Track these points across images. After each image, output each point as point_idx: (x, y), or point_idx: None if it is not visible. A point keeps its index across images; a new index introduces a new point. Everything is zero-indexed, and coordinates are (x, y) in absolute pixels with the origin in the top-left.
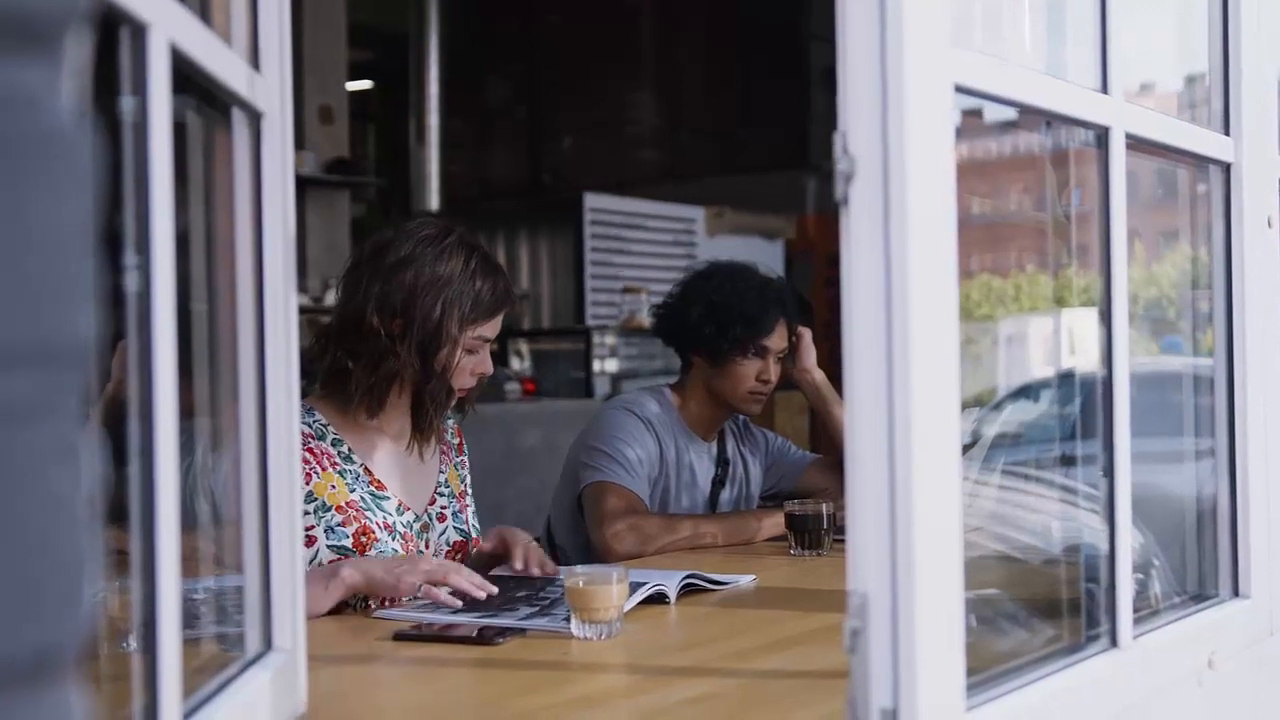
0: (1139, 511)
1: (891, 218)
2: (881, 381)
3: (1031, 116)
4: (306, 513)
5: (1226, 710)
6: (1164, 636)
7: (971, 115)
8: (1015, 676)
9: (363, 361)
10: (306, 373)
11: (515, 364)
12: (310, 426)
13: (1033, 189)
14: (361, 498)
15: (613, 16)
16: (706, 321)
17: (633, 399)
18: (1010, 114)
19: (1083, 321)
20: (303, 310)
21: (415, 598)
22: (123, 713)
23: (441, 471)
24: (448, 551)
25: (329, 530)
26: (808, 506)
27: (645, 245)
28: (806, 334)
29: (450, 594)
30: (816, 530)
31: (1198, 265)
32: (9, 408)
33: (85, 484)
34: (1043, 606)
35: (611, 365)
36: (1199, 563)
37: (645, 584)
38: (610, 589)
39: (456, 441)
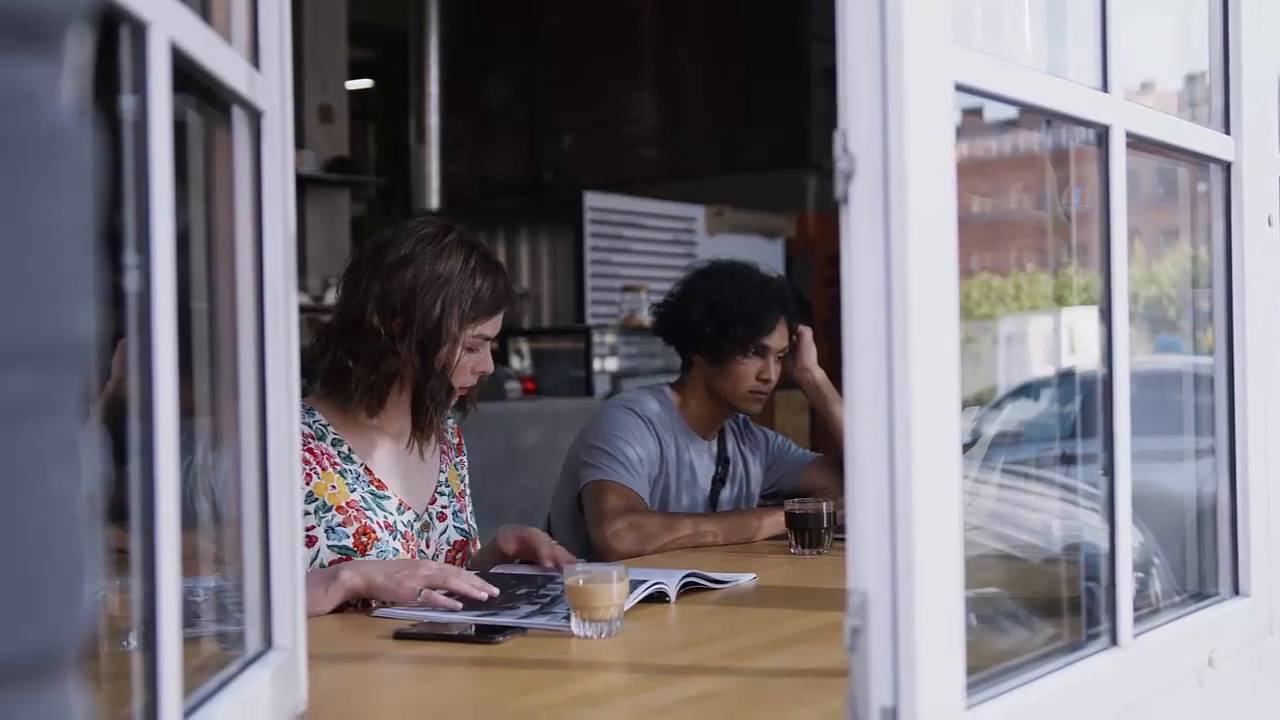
0: (1139, 510)
1: (892, 216)
2: (881, 380)
3: (1032, 115)
4: (307, 513)
5: (1227, 709)
6: (1164, 635)
7: (972, 114)
8: (1015, 675)
9: (363, 360)
10: (307, 372)
11: (515, 363)
12: (310, 426)
13: (1033, 188)
14: (362, 497)
15: (613, 16)
16: (707, 320)
17: (633, 398)
18: (1010, 112)
19: (1083, 320)
20: (303, 309)
21: (416, 601)
22: (123, 711)
23: (442, 471)
24: (448, 551)
25: (329, 530)
26: (808, 505)
27: (645, 244)
28: (807, 333)
29: (451, 596)
30: (817, 529)
31: (1198, 264)
32: (9, 406)
33: (85, 482)
34: (1043, 605)
35: (612, 364)
36: (1199, 561)
37: (645, 582)
38: (610, 587)
39: (456, 441)
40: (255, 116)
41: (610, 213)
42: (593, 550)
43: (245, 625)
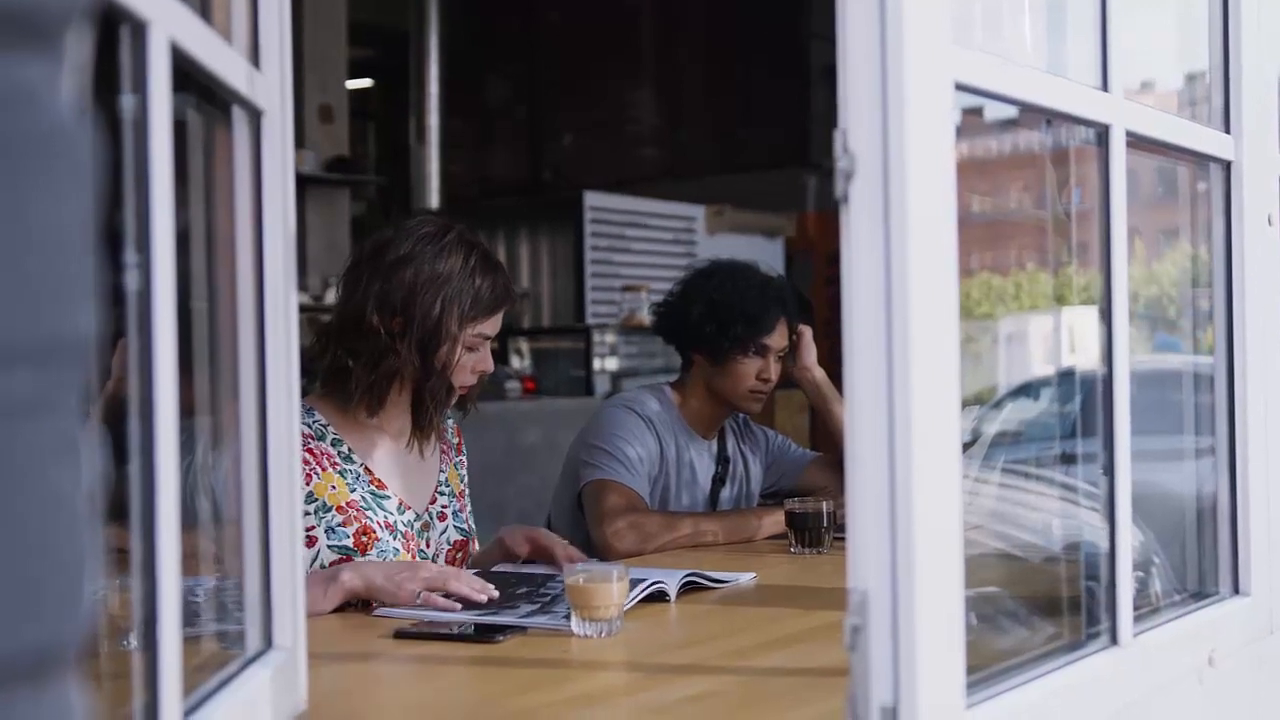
0: (1139, 509)
1: (892, 216)
2: (881, 379)
3: (1032, 114)
4: (307, 513)
5: (1227, 708)
6: (1164, 634)
7: (972, 113)
8: (1015, 674)
9: (363, 360)
10: (307, 371)
11: (515, 362)
12: (310, 427)
13: (1033, 187)
14: (362, 497)
15: (613, 16)
16: (707, 320)
17: (633, 397)
18: (1011, 112)
19: (1083, 320)
20: (303, 309)
21: (416, 604)
22: (123, 711)
23: (442, 471)
24: (449, 550)
25: (330, 530)
26: (808, 504)
27: (645, 244)
28: (807, 332)
29: (450, 598)
30: (817, 528)
31: (1198, 263)
32: (9, 405)
33: (85, 482)
34: (1043, 604)
35: (612, 363)
36: (1199, 560)
37: (645, 581)
38: (610, 587)
39: (456, 441)
40: (255, 116)
41: (610, 212)
42: (593, 549)
43: (245, 624)
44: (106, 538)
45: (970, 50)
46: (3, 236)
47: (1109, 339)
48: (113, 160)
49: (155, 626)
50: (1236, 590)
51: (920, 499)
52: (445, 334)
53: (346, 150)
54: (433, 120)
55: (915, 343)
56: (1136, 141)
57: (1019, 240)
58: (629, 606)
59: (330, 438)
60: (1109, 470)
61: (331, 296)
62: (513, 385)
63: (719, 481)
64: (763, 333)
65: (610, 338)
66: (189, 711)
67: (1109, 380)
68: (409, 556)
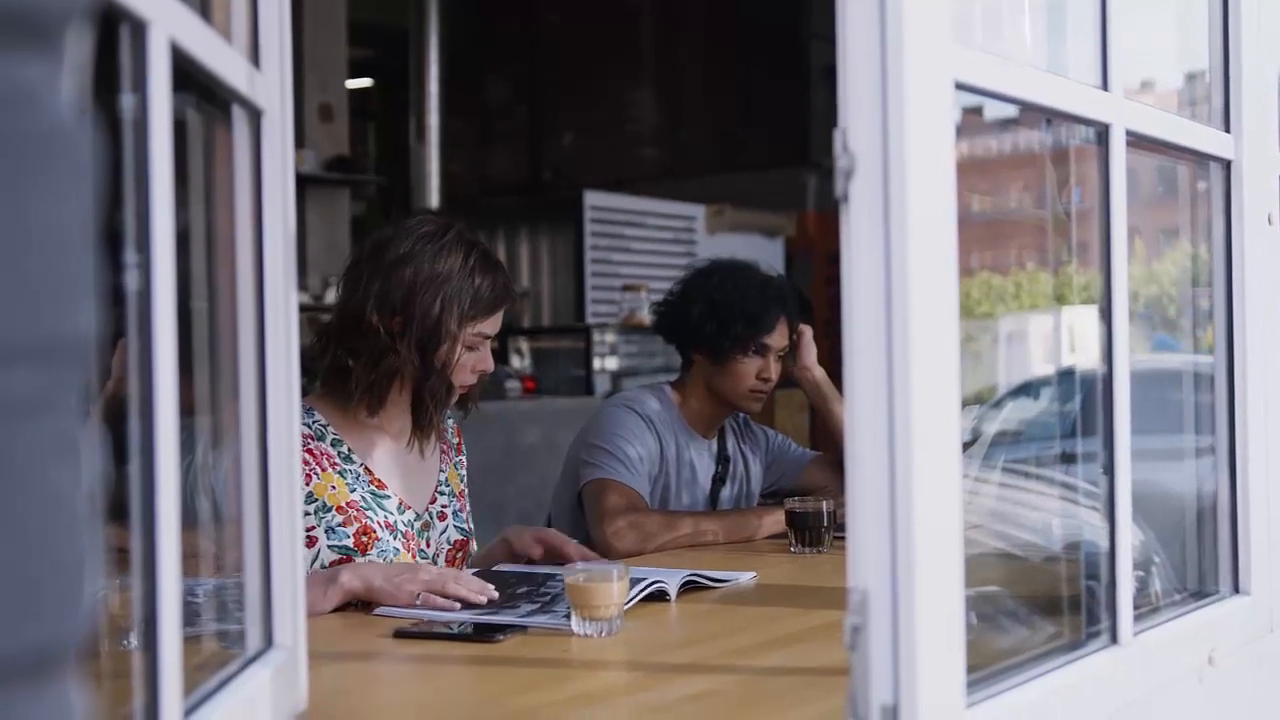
0: (1139, 509)
1: (892, 215)
2: (881, 379)
3: (1032, 113)
4: (307, 514)
5: (1227, 707)
6: (1164, 633)
7: (972, 112)
8: (1015, 673)
9: (363, 359)
10: (307, 371)
11: (515, 362)
12: (310, 427)
13: (1033, 186)
14: (362, 497)
15: (613, 16)
16: (707, 319)
17: (633, 396)
18: (1011, 111)
19: (1083, 319)
20: (303, 308)
21: (415, 605)
22: (124, 710)
23: (442, 470)
24: (449, 550)
25: (330, 531)
26: (808, 504)
27: (645, 243)
28: (807, 331)
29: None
30: (817, 527)
31: (1198, 262)
32: (9, 405)
33: (86, 481)
34: (1043, 603)
35: (612, 363)
36: (1199, 559)
37: (645, 581)
38: (611, 586)
39: (456, 441)
40: (255, 115)
41: (610, 212)
42: (593, 549)
43: (246, 624)
44: (106, 537)
45: (970, 49)
46: (3, 236)
47: (1109, 338)
48: (113, 160)
49: (155, 626)
50: (1236, 589)
51: (920, 498)
52: (445, 333)
53: (346, 150)
54: (433, 120)
55: (915, 342)
56: (1136, 141)
57: (1019, 239)
58: (629, 606)
59: (330, 438)
60: (1109, 469)
61: (331, 296)
62: (513, 385)
63: (719, 481)
64: (763, 332)
65: (610, 337)
66: (189, 711)
67: (1109, 379)
68: (409, 556)
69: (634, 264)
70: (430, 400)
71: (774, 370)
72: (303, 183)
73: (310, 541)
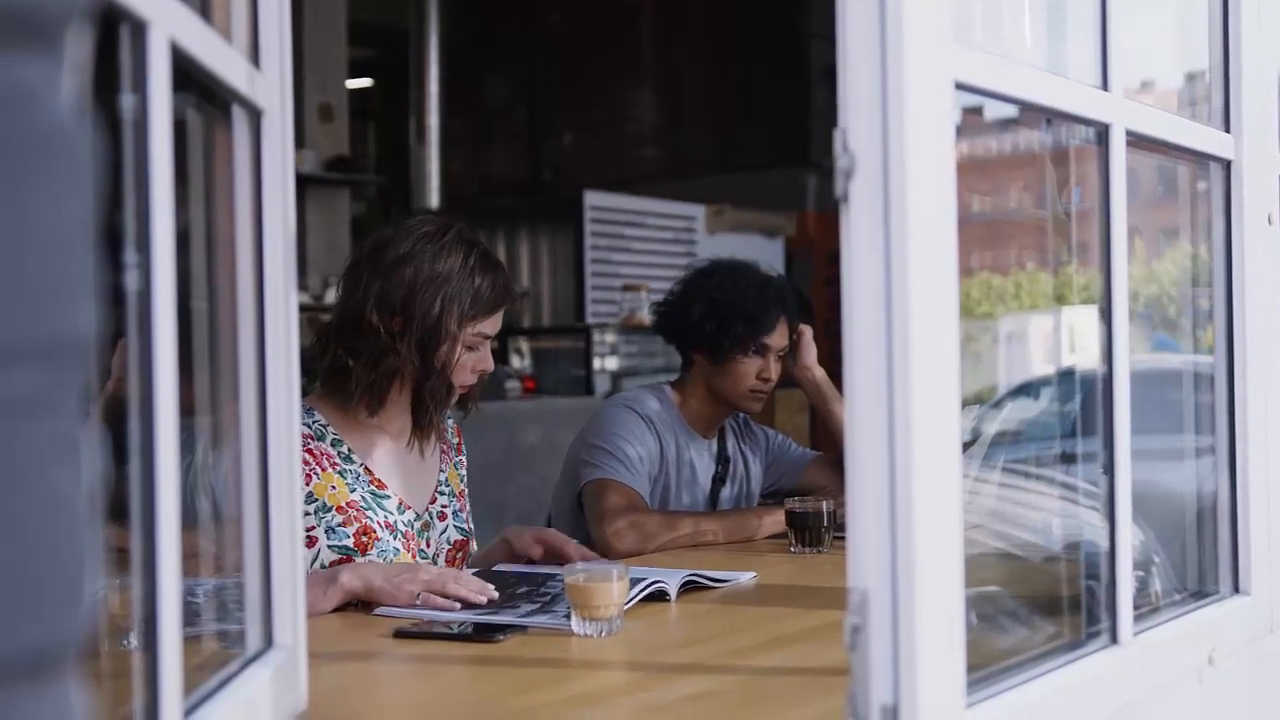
0: (1139, 508)
1: (892, 215)
2: (881, 379)
3: (1032, 113)
4: (307, 514)
5: (1227, 707)
6: (1164, 633)
7: (972, 112)
8: (1015, 673)
9: (363, 359)
10: (307, 371)
11: (515, 362)
12: (310, 427)
13: (1033, 186)
14: (362, 497)
15: (613, 16)
16: (707, 319)
17: (633, 396)
18: (1011, 111)
19: (1083, 319)
20: (303, 309)
21: (415, 605)
22: (124, 710)
23: (442, 470)
24: (449, 550)
25: (330, 531)
26: (808, 504)
27: (645, 243)
28: (807, 331)
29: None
30: (817, 527)
31: (1198, 262)
32: (9, 404)
33: (86, 481)
34: (1043, 603)
35: (612, 363)
36: (1199, 559)
37: (645, 581)
38: (611, 586)
39: (456, 441)
40: (255, 115)
41: (610, 212)
42: (593, 549)
43: (246, 624)
44: (106, 537)
45: (970, 49)
46: (3, 236)
47: (1109, 338)
48: (113, 160)
49: (155, 626)
50: (1236, 589)
51: (920, 498)
52: (445, 333)
53: (346, 150)
54: (433, 120)
55: (915, 342)
56: (1136, 140)
57: (1019, 239)
58: (629, 606)
59: (330, 438)
60: (1109, 469)
61: (331, 296)
62: (513, 385)
63: (719, 481)
64: (763, 332)
65: (610, 337)
66: (189, 710)
67: (1109, 379)
68: (409, 556)
69: (634, 264)
70: (430, 400)
71: (774, 370)
72: (303, 183)
73: (310, 541)
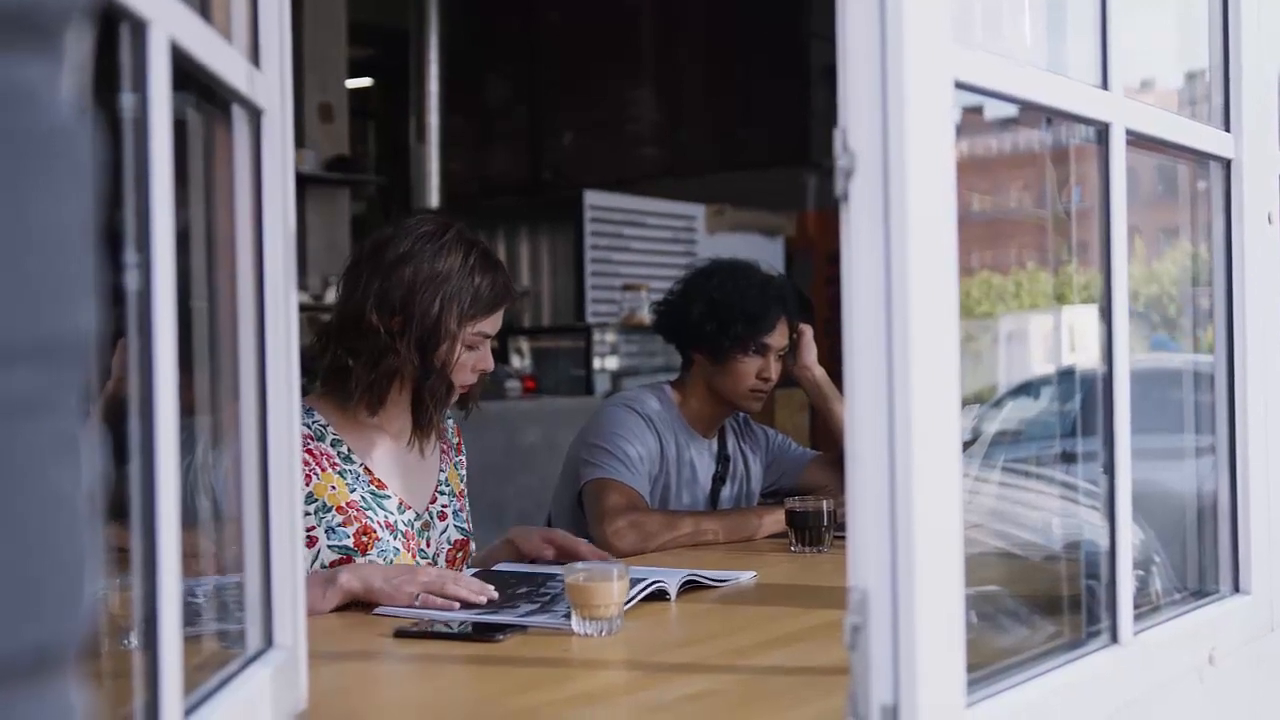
0: (1139, 508)
1: (892, 214)
2: (882, 378)
3: (1032, 113)
4: (307, 514)
5: (1227, 706)
6: (1164, 633)
7: (972, 111)
8: (1016, 673)
9: (363, 359)
10: (307, 371)
11: (515, 361)
12: (309, 428)
13: (1033, 185)
14: (362, 497)
15: (613, 16)
16: (708, 319)
17: (633, 396)
18: (1011, 110)
19: (1083, 318)
20: (303, 308)
21: (414, 606)
22: (124, 710)
23: (442, 470)
24: (449, 550)
25: (330, 531)
26: (808, 503)
27: (645, 243)
28: (807, 331)
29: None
30: (817, 527)
31: (1198, 262)
32: (9, 404)
33: (86, 481)
34: (1043, 603)
35: (612, 362)
36: (1199, 559)
37: (645, 581)
38: (611, 586)
39: (456, 441)
40: (255, 115)
41: (610, 211)
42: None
43: (246, 624)
44: (106, 537)
45: (970, 48)
46: (3, 236)
47: (1109, 337)
48: (113, 160)
49: (156, 625)
50: (1237, 588)
51: (920, 498)
52: (444, 332)
53: (346, 149)
54: (433, 119)
55: (915, 341)
56: (1137, 140)
57: (1019, 239)
58: (629, 606)
59: (330, 438)
60: (1109, 469)
61: (332, 296)
62: (513, 384)
63: (719, 480)
64: (763, 332)
65: (610, 337)
66: (189, 710)
67: (1109, 379)
68: (409, 556)
69: (634, 264)
70: (430, 400)
71: (774, 370)
72: (303, 182)
73: (310, 542)
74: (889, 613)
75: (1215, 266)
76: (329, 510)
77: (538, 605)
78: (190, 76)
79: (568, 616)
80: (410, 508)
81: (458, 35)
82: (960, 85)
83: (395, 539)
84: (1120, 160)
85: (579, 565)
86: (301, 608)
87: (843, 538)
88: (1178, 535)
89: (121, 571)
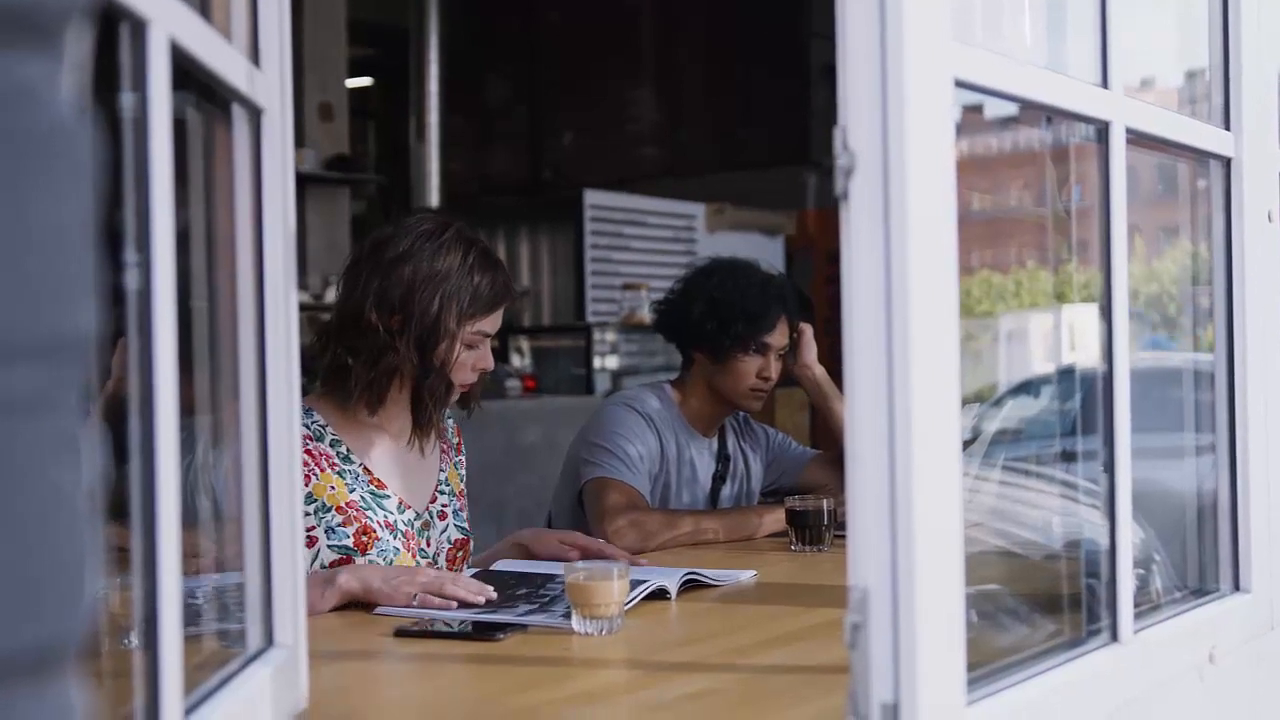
0: (1139, 506)
1: (892, 213)
2: (882, 377)
3: (1032, 111)
4: (306, 514)
5: (1227, 705)
6: (1164, 631)
7: (972, 110)
8: (1016, 671)
9: (362, 358)
10: (307, 370)
11: (516, 361)
12: (309, 428)
13: (1033, 184)
14: (361, 497)
15: (613, 16)
16: (708, 318)
17: (633, 395)
18: (1011, 109)
19: (1083, 317)
20: (303, 308)
21: (412, 606)
22: (124, 709)
23: (442, 470)
24: (449, 549)
25: (329, 531)
26: (808, 502)
27: (646, 242)
28: (807, 330)
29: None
30: (817, 526)
31: (1198, 260)
32: (9, 403)
33: (86, 479)
34: (1043, 601)
35: (612, 362)
36: (1199, 557)
37: (645, 580)
38: (611, 585)
39: (456, 440)
40: (255, 114)
41: (610, 210)
42: None
43: (246, 623)
44: (106, 537)
45: (970, 47)
46: (3, 235)
47: (1109, 336)
48: (113, 159)
49: (156, 625)
50: (1237, 587)
51: (920, 497)
52: (444, 331)
53: (346, 149)
54: (433, 119)
55: (915, 340)
56: (1137, 138)
57: (1019, 238)
58: (629, 605)
59: (329, 438)
60: (1109, 467)
61: (331, 295)
62: (513, 384)
63: (719, 479)
64: (763, 331)
65: (610, 336)
66: (190, 709)
67: (1109, 377)
68: (409, 556)
69: (634, 263)
70: (429, 399)
71: (774, 369)
72: (303, 182)
73: (310, 542)
74: (889, 611)
75: (1215, 265)
76: (328, 510)
77: (536, 606)
78: (190, 76)
79: (568, 615)
80: (410, 507)
81: (458, 35)
82: (960, 84)
83: (395, 539)
84: (1120, 159)
85: (579, 565)
86: (302, 607)
87: (843, 537)
88: (1178, 534)
89: (121, 571)
